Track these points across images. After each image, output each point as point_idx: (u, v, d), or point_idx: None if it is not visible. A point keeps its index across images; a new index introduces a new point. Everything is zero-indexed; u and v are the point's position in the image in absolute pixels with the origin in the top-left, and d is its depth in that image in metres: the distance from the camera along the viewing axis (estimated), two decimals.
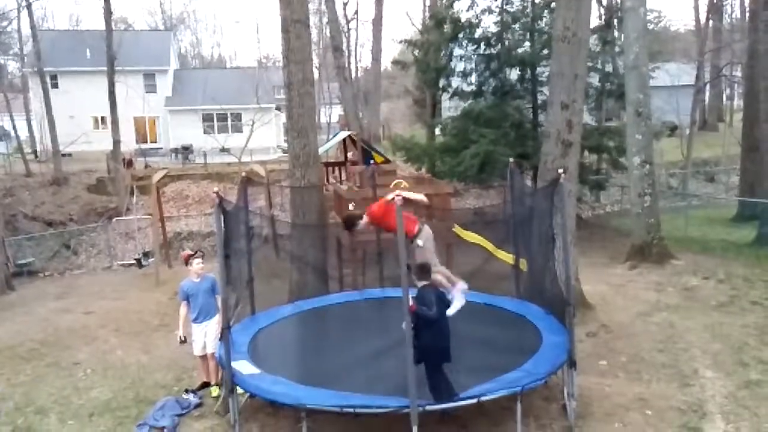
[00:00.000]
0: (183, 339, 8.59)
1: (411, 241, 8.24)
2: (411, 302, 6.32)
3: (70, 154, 35.80)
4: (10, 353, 11.31)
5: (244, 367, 7.35)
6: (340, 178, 20.06)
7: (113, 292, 16.56)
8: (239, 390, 7.32)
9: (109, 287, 17.33)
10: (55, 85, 41.52)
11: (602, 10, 27.95)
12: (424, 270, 6.90)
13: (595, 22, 22.62)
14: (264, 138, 40.80)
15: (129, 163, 32.88)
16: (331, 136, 29.72)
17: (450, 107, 24.20)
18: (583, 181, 18.93)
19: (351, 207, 12.28)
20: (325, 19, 43.24)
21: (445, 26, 20.84)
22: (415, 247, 8.18)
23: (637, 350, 9.42)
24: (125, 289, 16.81)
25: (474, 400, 6.42)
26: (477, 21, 20.17)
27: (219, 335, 7.80)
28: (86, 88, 41.21)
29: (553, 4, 16.62)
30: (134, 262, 20.43)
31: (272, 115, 44.41)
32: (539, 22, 20.05)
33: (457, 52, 21.15)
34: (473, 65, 20.95)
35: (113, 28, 31.52)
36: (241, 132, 40.80)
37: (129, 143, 36.84)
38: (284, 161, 24.21)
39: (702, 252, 15.72)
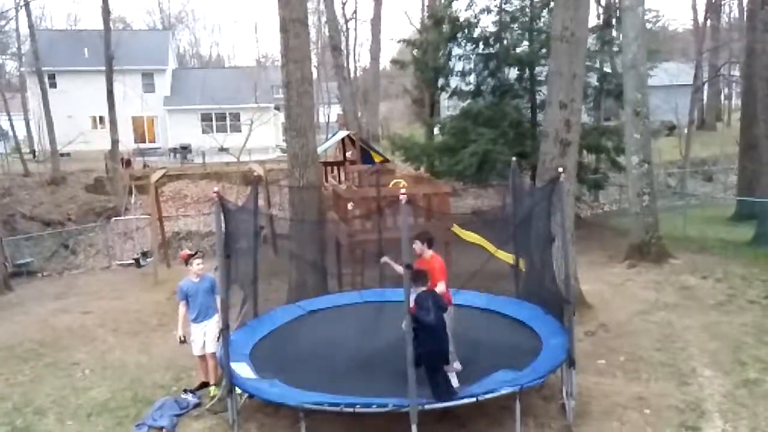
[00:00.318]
0: (182, 339, 8.58)
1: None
2: (412, 303, 6.34)
3: (68, 154, 35.81)
4: (9, 353, 11.30)
5: (242, 369, 7.35)
6: (339, 177, 20.04)
7: (112, 291, 16.54)
8: (238, 390, 7.31)
9: (107, 287, 17.31)
10: (53, 85, 41.53)
11: (600, 10, 27.97)
12: (421, 276, 6.90)
13: (593, 21, 22.63)
14: (262, 137, 40.83)
15: (127, 163, 32.88)
16: (329, 136, 29.72)
17: (449, 106, 24.24)
18: (582, 181, 18.94)
19: (350, 206, 12.30)
20: (323, 19, 43.26)
21: (443, 26, 20.83)
22: None
23: (636, 349, 9.43)
24: (124, 288, 16.80)
25: (473, 399, 6.43)
26: (476, 20, 20.15)
27: (218, 335, 7.79)
28: (84, 88, 41.19)
29: (551, 4, 16.63)
30: (133, 261, 20.42)
31: (271, 115, 44.43)
32: (538, 21, 20.05)
33: (456, 51, 21.15)
34: (472, 65, 20.94)
35: (111, 27, 31.55)
36: (240, 131, 40.81)
37: (127, 143, 36.86)
38: (283, 161, 24.23)
39: (700, 251, 15.72)
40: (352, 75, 46.91)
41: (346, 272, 12.68)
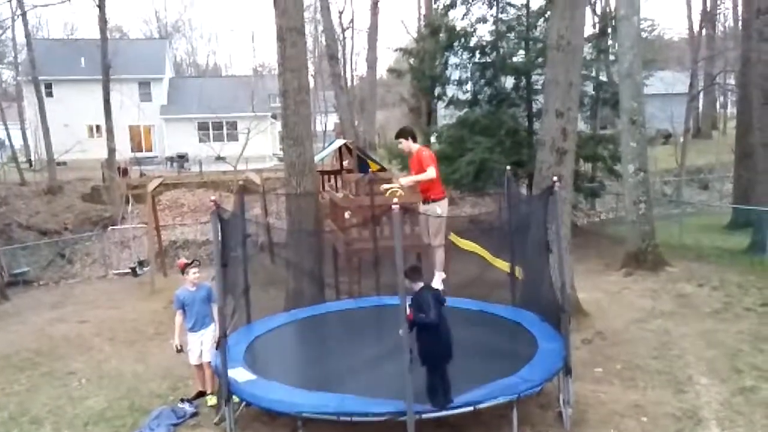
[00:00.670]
0: (179, 348, 8.57)
1: (427, 201, 8.28)
2: (408, 310, 6.33)
3: (64, 163, 35.80)
4: (5, 363, 11.28)
5: (240, 374, 7.34)
6: (336, 186, 20.03)
7: (108, 301, 16.53)
8: (235, 398, 7.30)
9: (104, 296, 17.30)
10: (49, 94, 41.59)
11: (596, 19, 28.08)
12: (416, 271, 6.88)
13: (589, 30, 22.72)
14: (259, 146, 40.86)
15: (124, 172, 32.87)
16: (326, 145, 29.73)
17: (445, 115, 24.26)
18: (578, 189, 18.97)
19: (347, 215, 12.29)
20: (320, 28, 43.47)
21: (440, 35, 20.90)
22: (431, 212, 8.22)
23: (632, 357, 9.43)
24: (120, 298, 16.79)
25: (470, 408, 6.43)
26: (472, 30, 20.25)
27: (215, 344, 7.78)
28: (81, 97, 41.22)
29: (547, 13, 16.74)
30: (129, 270, 20.43)
31: (268, 124, 44.51)
32: (534, 30, 20.13)
33: (452, 60, 21.23)
34: (468, 73, 21.02)
35: (108, 36, 31.58)
36: (237, 140, 40.90)
37: (124, 152, 36.81)
38: (280, 169, 24.23)
39: (696, 259, 15.75)
40: (349, 84, 46.98)
41: (343, 280, 12.67)
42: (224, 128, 46.47)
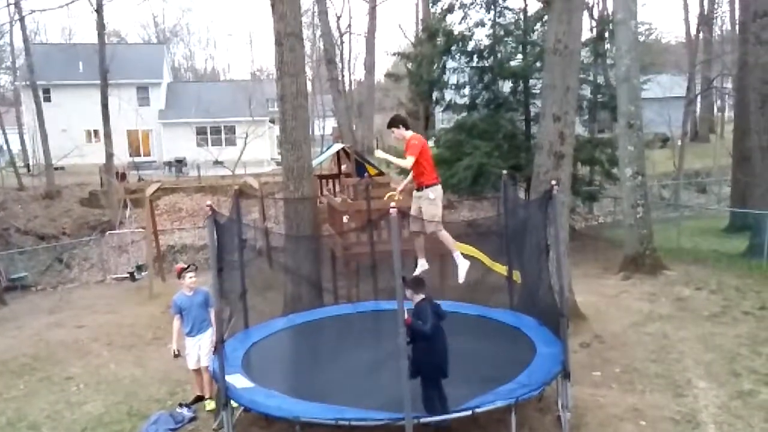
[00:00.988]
0: (176, 353, 8.56)
1: (420, 189, 8.29)
2: (406, 315, 6.32)
3: (62, 168, 35.75)
4: (2, 368, 11.27)
5: (237, 380, 7.33)
6: (334, 190, 20.04)
7: (106, 305, 16.51)
8: (233, 404, 7.29)
9: (102, 301, 17.28)
10: (47, 99, 41.51)
11: (594, 23, 28.17)
12: (419, 283, 6.90)
13: (586, 34, 22.73)
14: (257, 151, 40.90)
15: (122, 177, 32.86)
16: (324, 149, 29.78)
17: (443, 119, 24.30)
18: (576, 193, 18.99)
19: (345, 219, 12.30)
20: (318, 32, 43.51)
21: (437, 39, 20.90)
22: (424, 198, 8.22)
23: (631, 361, 9.44)
24: (118, 302, 16.77)
25: (468, 412, 6.42)
26: (470, 34, 20.24)
27: (213, 349, 7.77)
28: (79, 102, 41.15)
29: (545, 17, 16.74)
30: (127, 275, 20.44)
31: (266, 128, 44.50)
32: (531, 34, 20.15)
33: (450, 64, 21.23)
34: (466, 78, 21.02)
35: (106, 41, 31.61)
36: (235, 145, 40.94)
37: (122, 156, 36.84)
38: (278, 174, 24.25)
39: (694, 262, 15.77)
40: (347, 88, 47.02)
41: (341, 284, 12.68)
42: (222, 133, 46.47)
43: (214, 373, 7.53)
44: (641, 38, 27.89)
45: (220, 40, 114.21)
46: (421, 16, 37.87)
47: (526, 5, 19.98)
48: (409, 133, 8.22)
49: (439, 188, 8.39)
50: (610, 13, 23.86)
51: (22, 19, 34.86)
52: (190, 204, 29.91)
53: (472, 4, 20.18)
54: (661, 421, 7.42)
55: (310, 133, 13.44)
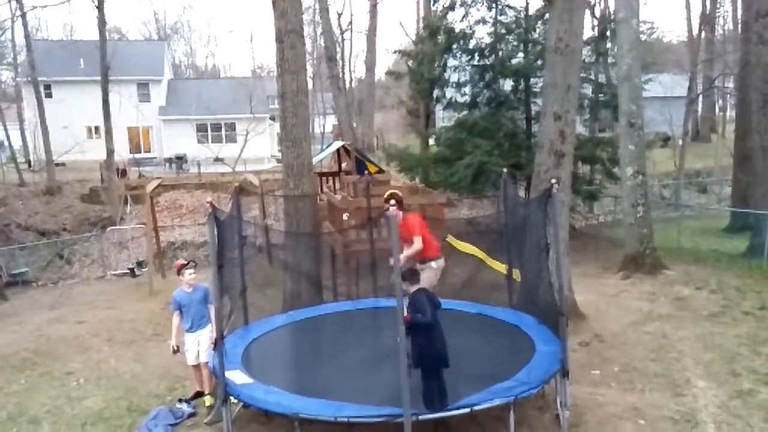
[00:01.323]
0: (176, 349, 8.58)
1: (424, 261, 8.62)
2: (405, 312, 6.32)
3: (63, 164, 35.78)
4: (3, 363, 11.28)
5: (237, 377, 7.34)
6: (334, 188, 20.06)
7: (106, 301, 16.52)
8: (232, 399, 7.30)
9: (102, 297, 17.29)
10: (48, 95, 41.53)
11: (595, 22, 28.17)
12: (414, 274, 6.91)
13: (588, 33, 22.75)
14: (258, 148, 40.90)
15: (123, 173, 32.84)
16: (325, 146, 29.79)
17: (444, 117, 24.31)
18: (577, 192, 18.98)
19: (345, 217, 12.31)
20: (319, 30, 43.50)
21: (438, 37, 20.91)
22: (427, 268, 8.59)
23: (630, 360, 9.44)
24: (119, 298, 16.78)
25: (467, 410, 6.42)
26: (471, 32, 20.24)
27: (212, 345, 7.79)
28: (80, 98, 41.19)
29: (546, 16, 16.74)
30: (128, 271, 20.44)
31: (266, 125, 44.50)
32: (533, 33, 20.14)
33: (451, 62, 21.23)
34: (467, 76, 21.02)
35: (107, 37, 31.59)
36: (235, 142, 40.94)
37: (123, 153, 36.80)
38: (278, 171, 24.23)
39: (694, 262, 15.77)
40: (347, 86, 47.00)
41: (341, 282, 12.69)
42: (223, 129, 46.49)
43: (214, 369, 7.55)
44: (643, 37, 27.86)
45: (221, 37, 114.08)
46: (422, 14, 37.79)
47: (527, 3, 20.08)
48: (401, 213, 8.66)
49: (442, 261, 8.87)
50: (612, 12, 23.89)
51: (23, 15, 34.91)
52: (191, 201, 29.92)
53: (473, 2, 20.19)
54: (660, 420, 7.42)
55: (311, 130, 13.46)
